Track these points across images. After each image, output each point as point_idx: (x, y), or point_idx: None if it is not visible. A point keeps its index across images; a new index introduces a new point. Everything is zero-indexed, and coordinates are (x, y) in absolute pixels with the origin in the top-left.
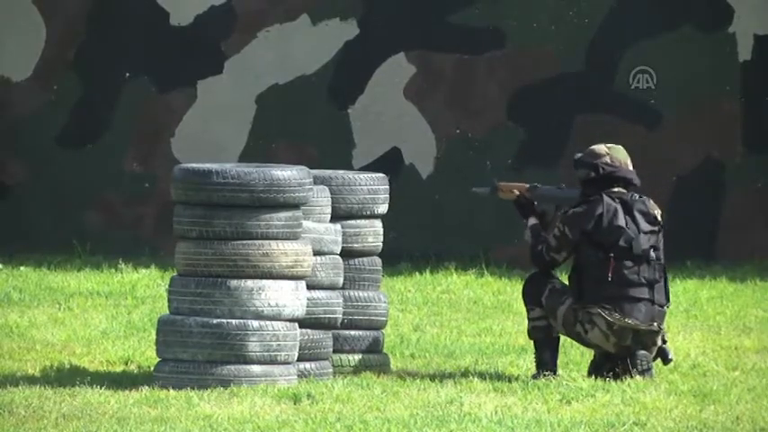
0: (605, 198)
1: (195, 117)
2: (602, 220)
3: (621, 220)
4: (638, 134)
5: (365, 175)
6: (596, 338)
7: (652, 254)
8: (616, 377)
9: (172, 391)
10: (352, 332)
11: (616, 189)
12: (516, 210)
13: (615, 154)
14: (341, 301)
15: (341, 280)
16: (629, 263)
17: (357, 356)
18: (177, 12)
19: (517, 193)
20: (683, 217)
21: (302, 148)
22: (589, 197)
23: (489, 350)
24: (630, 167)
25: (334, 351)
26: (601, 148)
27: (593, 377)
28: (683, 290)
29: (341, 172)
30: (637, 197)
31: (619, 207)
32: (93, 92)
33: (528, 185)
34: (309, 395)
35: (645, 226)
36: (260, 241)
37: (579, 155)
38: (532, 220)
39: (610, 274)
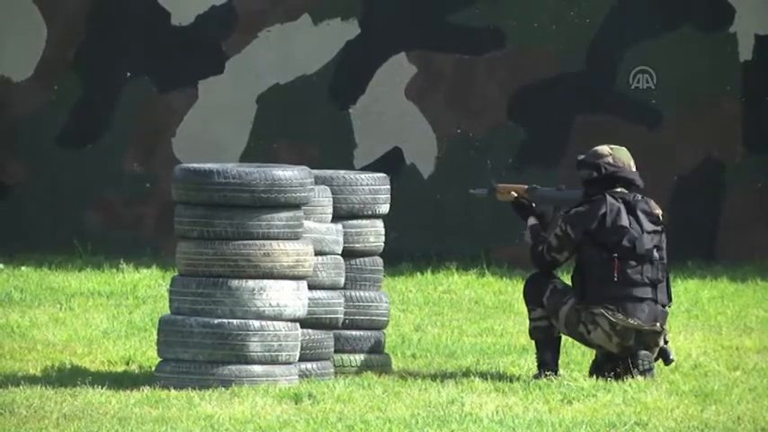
0: (608, 198)
1: (196, 117)
2: (606, 219)
3: (625, 219)
4: (638, 134)
5: (366, 175)
6: (599, 339)
7: (655, 254)
8: (617, 377)
9: (173, 391)
10: (354, 332)
11: (618, 189)
12: (515, 211)
13: (618, 155)
14: (342, 301)
15: (342, 280)
16: (632, 263)
17: (358, 356)
18: (178, 11)
19: (515, 194)
20: (683, 217)
21: (303, 148)
22: (592, 197)
23: (490, 350)
24: (633, 169)
25: (336, 351)
26: (604, 148)
27: (595, 377)
28: (684, 290)
29: (342, 172)
30: (639, 197)
31: (622, 207)
32: (93, 92)
33: (527, 187)
34: (311, 395)
35: (648, 226)
36: (261, 241)
37: (582, 156)
38: (532, 221)
39: (615, 275)
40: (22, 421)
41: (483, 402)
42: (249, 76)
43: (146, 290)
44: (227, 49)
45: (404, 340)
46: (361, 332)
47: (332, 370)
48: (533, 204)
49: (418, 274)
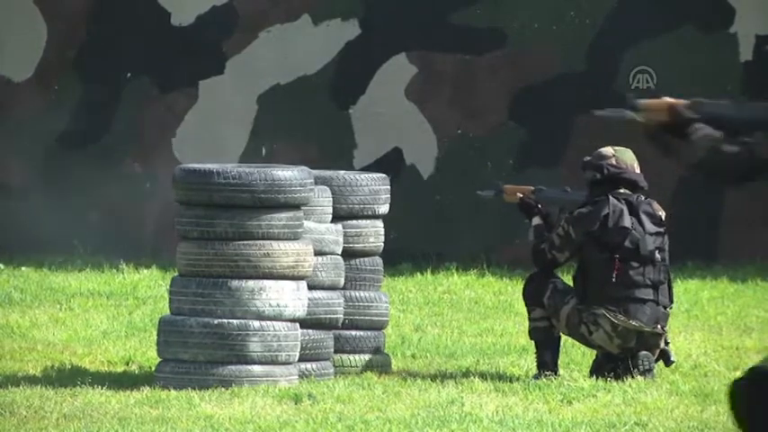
0: (611, 199)
1: (196, 117)
2: (608, 220)
3: (627, 221)
4: (638, 134)
5: (366, 176)
6: (600, 339)
7: (657, 255)
8: (617, 377)
9: (173, 391)
10: (354, 332)
11: (622, 190)
12: (520, 212)
13: (621, 156)
14: (342, 301)
15: (342, 280)
16: (634, 264)
17: (358, 357)
18: (178, 12)
19: (521, 195)
20: (683, 217)
21: (303, 149)
22: (595, 198)
23: (490, 350)
24: (638, 170)
25: (336, 351)
26: (608, 150)
27: (595, 377)
28: (684, 290)
29: (342, 172)
30: (642, 198)
31: (624, 208)
32: (93, 92)
33: (533, 188)
34: (310, 395)
35: (650, 227)
36: (261, 241)
37: (587, 157)
38: (536, 221)
39: (614, 275)
40: (23, 421)
41: (483, 402)
42: (249, 77)
43: (146, 290)
44: (228, 50)
45: (404, 340)
46: (361, 332)
47: (332, 370)
48: (539, 205)
49: (418, 274)
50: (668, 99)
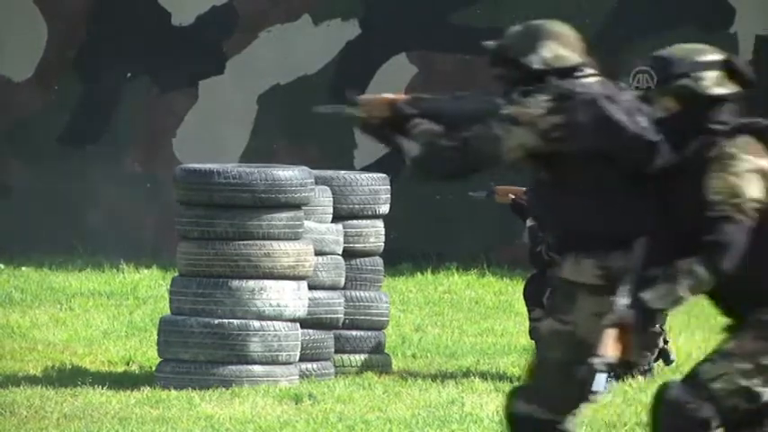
0: None
1: (196, 117)
2: None
3: None
4: None
5: (366, 176)
6: None
7: None
8: (617, 377)
9: (173, 391)
10: (354, 332)
11: None
12: (513, 213)
13: None
14: (342, 301)
15: (342, 280)
16: None
17: (358, 357)
18: (179, 12)
19: (512, 196)
20: None
21: (304, 149)
22: None
23: (491, 350)
24: None
25: (336, 351)
26: None
27: None
28: None
29: (342, 172)
30: None
31: None
32: (93, 92)
33: (525, 189)
34: (311, 395)
35: None
36: (261, 241)
37: None
38: (530, 222)
39: None
40: (23, 421)
41: (483, 402)
42: (249, 77)
43: (146, 290)
44: (228, 50)
45: (404, 340)
46: (361, 332)
47: (332, 370)
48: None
49: (418, 274)
50: (388, 95)
